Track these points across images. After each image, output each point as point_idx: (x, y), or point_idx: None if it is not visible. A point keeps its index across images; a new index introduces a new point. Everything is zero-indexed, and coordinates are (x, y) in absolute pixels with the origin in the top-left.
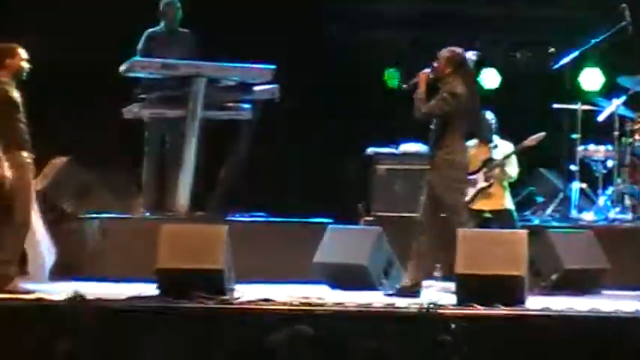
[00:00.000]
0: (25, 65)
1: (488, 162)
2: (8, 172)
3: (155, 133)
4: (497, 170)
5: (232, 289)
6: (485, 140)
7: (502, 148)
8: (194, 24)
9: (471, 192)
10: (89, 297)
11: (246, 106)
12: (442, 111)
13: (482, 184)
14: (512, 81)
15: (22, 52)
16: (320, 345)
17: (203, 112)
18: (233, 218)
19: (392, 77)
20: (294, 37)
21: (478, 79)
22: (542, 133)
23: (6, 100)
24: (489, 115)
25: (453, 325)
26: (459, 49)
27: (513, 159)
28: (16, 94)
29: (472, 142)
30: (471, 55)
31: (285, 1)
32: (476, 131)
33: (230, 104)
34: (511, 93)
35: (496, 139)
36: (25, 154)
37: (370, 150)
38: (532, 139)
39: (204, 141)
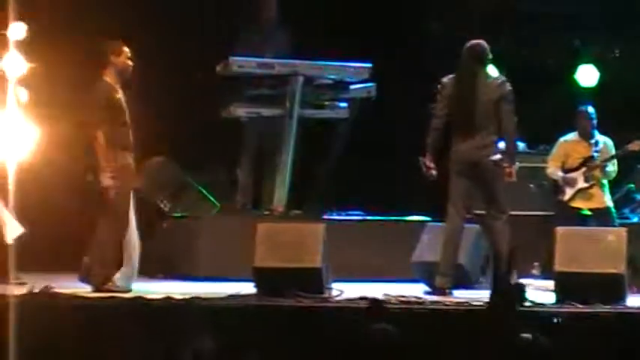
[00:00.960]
0: (130, 63)
1: (589, 161)
2: (111, 182)
3: (252, 132)
4: (597, 171)
5: (330, 288)
6: (586, 136)
7: (602, 144)
8: (288, 20)
9: (569, 191)
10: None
11: (343, 104)
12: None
13: (581, 184)
14: (611, 77)
15: (127, 50)
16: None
17: (300, 111)
18: (330, 217)
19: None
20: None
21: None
22: None
23: (111, 103)
24: (591, 111)
25: (556, 320)
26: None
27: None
28: (119, 96)
29: (572, 136)
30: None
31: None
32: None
33: (327, 102)
34: (609, 89)
35: (596, 134)
36: (127, 155)
37: None
38: (637, 144)
39: (301, 140)
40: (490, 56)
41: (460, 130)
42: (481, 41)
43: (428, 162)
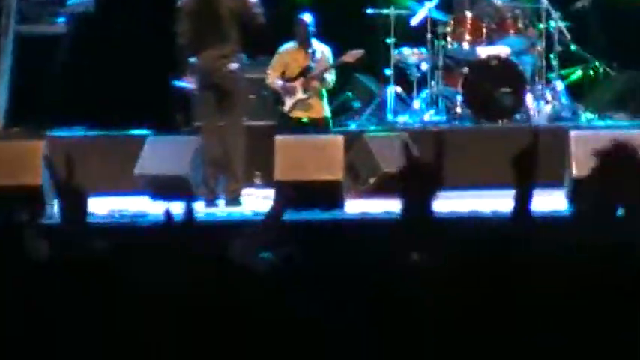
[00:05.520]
0: None
1: (307, 71)
2: None
3: None
4: (315, 81)
5: (52, 204)
6: (305, 45)
7: (320, 53)
8: None
9: (289, 101)
10: None
11: (61, 19)
12: None
13: (300, 94)
14: None
15: None
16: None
17: (16, 27)
18: (52, 134)
19: None
20: None
21: None
22: (362, 51)
23: None
24: (307, 19)
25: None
26: None
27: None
28: None
29: (290, 46)
30: None
31: None
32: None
33: (45, 18)
34: None
35: (314, 43)
36: None
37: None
38: (351, 55)
39: (19, 56)
40: None
41: (202, 43)
42: None
43: (188, 79)
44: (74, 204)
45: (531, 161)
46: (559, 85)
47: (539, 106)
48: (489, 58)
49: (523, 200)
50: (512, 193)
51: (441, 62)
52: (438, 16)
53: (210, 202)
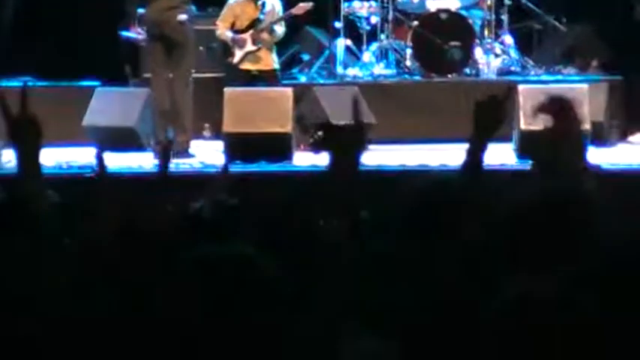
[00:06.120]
0: None
1: (256, 23)
2: None
3: None
4: (264, 33)
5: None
6: None
7: (270, 5)
8: None
9: (238, 53)
10: None
11: None
12: None
13: (250, 47)
14: None
15: None
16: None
17: None
18: None
19: None
20: None
21: None
22: (311, 3)
23: None
24: None
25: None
26: None
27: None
28: None
29: None
30: None
31: None
32: None
33: None
34: None
35: None
36: None
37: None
38: (300, 7)
39: None
40: None
41: None
42: None
43: (135, 30)
44: (29, 146)
45: (499, 113)
46: (508, 39)
47: (489, 60)
48: (439, 11)
49: (476, 152)
50: (460, 146)
51: (390, 15)
52: None
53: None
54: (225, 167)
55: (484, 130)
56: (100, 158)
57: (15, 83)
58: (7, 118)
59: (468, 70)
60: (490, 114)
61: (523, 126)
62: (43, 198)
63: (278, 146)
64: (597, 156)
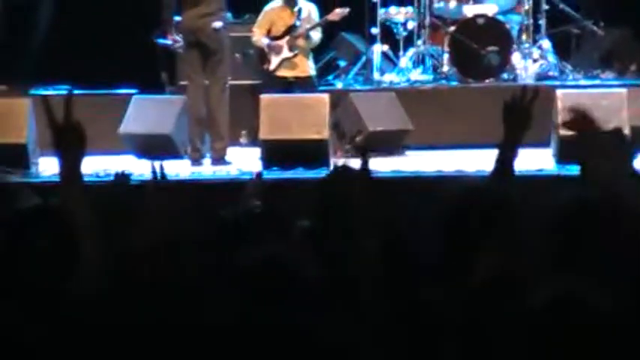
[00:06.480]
0: None
1: (293, 29)
2: None
3: None
4: (300, 39)
5: (37, 163)
6: (290, 3)
7: (306, 11)
8: None
9: (274, 60)
10: None
11: None
12: None
13: (286, 53)
14: None
15: None
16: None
17: None
18: (37, 92)
19: None
20: None
21: None
22: (347, 9)
23: None
24: None
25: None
26: None
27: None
28: None
29: (276, 4)
30: None
31: None
32: None
33: None
34: None
35: (300, 0)
36: None
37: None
38: (336, 14)
39: (2, 14)
40: None
41: (186, 1)
42: None
43: (171, 37)
44: (73, 154)
45: (526, 115)
46: (546, 44)
47: (526, 65)
48: (476, 16)
49: (506, 157)
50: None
51: (427, 21)
52: None
53: (196, 162)
54: (259, 175)
55: (512, 132)
56: (160, 167)
57: (52, 91)
58: (52, 126)
59: (505, 76)
60: (517, 116)
61: (561, 131)
62: (83, 206)
63: (315, 153)
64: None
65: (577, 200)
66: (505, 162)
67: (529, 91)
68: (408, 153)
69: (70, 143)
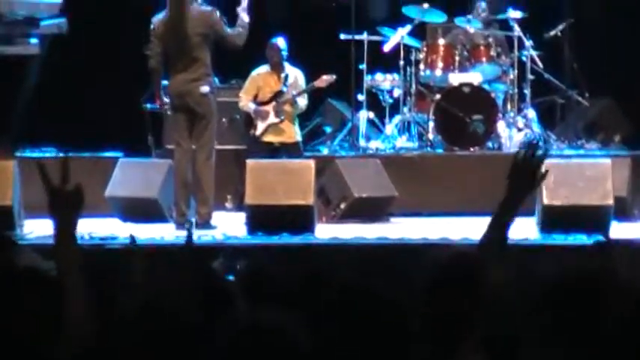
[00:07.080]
0: None
1: (279, 95)
2: None
3: None
4: (287, 105)
5: (22, 225)
6: (277, 69)
7: (293, 77)
8: None
9: (260, 126)
10: None
11: (34, 40)
12: None
13: (272, 119)
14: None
15: None
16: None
17: None
18: (23, 154)
19: None
20: None
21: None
22: (334, 76)
23: None
24: (281, 43)
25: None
26: None
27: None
28: None
29: (263, 69)
30: None
31: None
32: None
33: (17, 39)
34: (301, 22)
35: (287, 67)
36: None
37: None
38: (323, 80)
39: None
40: None
41: (174, 65)
42: None
43: (159, 102)
44: (68, 217)
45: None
46: (531, 113)
47: (511, 134)
48: (461, 85)
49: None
50: (482, 219)
51: (413, 88)
52: (411, 42)
53: (181, 225)
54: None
55: (516, 193)
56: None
57: (38, 154)
58: (48, 189)
59: (490, 144)
60: (524, 176)
61: (546, 200)
62: (75, 268)
63: (300, 218)
64: (620, 231)
65: (559, 275)
66: (501, 228)
67: (535, 148)
68: (393, 220)
69: (65, 206)
